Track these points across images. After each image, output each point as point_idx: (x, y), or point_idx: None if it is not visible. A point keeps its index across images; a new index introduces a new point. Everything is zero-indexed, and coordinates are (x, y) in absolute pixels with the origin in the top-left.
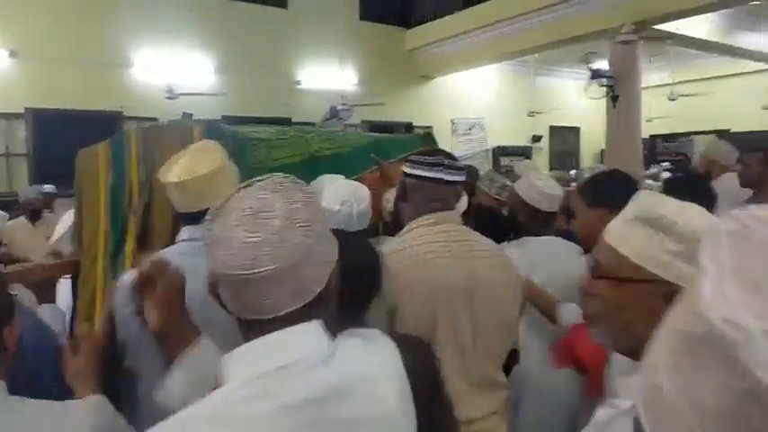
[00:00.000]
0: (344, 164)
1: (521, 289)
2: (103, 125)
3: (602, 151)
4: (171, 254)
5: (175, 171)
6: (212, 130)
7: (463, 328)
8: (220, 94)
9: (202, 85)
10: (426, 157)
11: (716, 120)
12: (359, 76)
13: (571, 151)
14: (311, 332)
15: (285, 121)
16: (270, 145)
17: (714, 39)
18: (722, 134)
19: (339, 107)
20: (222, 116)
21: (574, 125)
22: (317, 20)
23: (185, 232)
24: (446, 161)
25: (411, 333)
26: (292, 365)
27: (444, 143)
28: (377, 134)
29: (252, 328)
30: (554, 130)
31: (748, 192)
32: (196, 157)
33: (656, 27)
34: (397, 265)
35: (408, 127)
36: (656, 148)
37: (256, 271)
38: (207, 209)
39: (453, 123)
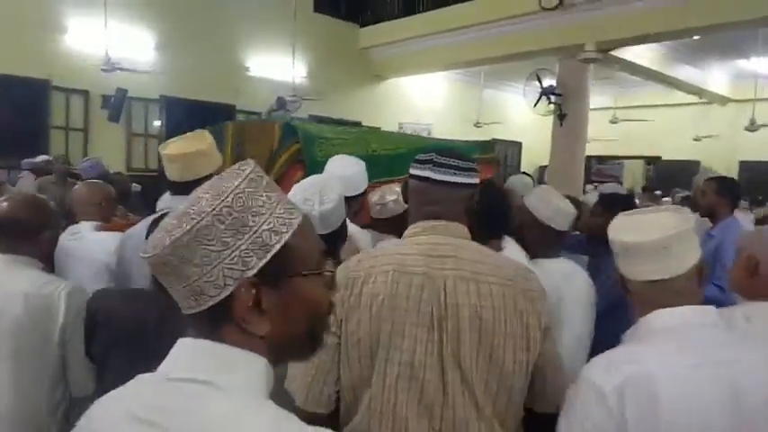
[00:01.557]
0: (396, 163)
1: (541, 329)
2: (27, 93)
3: (541, 167)
4: (145, 222)
5: (170, 147)
6: (288, 127)
7: (423, 360)
8: (159, 72)
9: (141, 61)
10: (423, 154)
11: (649, 146)
12: (309, 69)
13: (513, 165)
14: (202, 354)
15: (229, 108)
16: (334, 143)
17: (655, 68)
18: (653, 161)
19: (288, 98)
20: (160, 95)
21: (517, 139)
22: (270, 5)
23: (163, 201)
24: (438, 158)
25: (354, 350)
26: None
27: None
28: (437, 138)
29: (186, 318)
30: (497, 143)
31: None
32: (188, 140)
33: (609, 53)
34: (351, 274)
35: (357, 125)
36: (591, 168)
37: (143, 255)
38: (190, 181)
39: (401, 126)
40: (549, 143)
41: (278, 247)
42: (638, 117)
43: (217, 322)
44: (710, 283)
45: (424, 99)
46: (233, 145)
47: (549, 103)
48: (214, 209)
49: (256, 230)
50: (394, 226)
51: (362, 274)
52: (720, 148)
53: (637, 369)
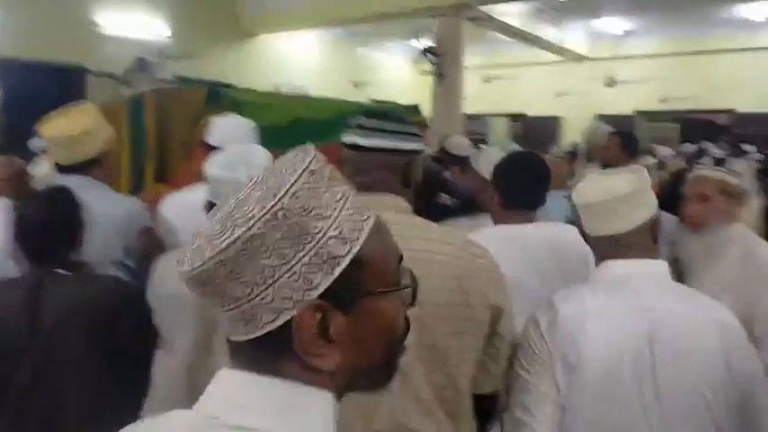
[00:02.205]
0: (325, 129)
1: (489, 308)
2: None
3: None
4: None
5: (50, 126)
6: (212, 93)
7: None
8: None
9: None
10: (354, 118)
11: (516, 104)
12: (172, 27)
13: None
14: (256, 393)
15: (80, 70)
16: (258, 108)
17: (522, 28)
18: (518, 118)
19: (149, 59)
20: None
21: (393, 100)
22: None
23: (59, 180)
24: (366, 121)
25: None
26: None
27: None
28: (362, 103)
29: (228, 344)
30: (376, 104)
31: None
32: (70, 117)
33: (478, 8)
34: None
35: (228, 87)
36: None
37: (183, 269)
38: (78, 162)
39: (276, 87)
40: (425, 103)
41: (348, 259)
42: (507, 76)
43: (274, 353)
44: None
45: (300, 59)
46: (155, 114)
47: (430, 62)
48: (266, 212)
49: (321, 238)
50: None
51: None
52: (579, 104)
53: (569, 307)
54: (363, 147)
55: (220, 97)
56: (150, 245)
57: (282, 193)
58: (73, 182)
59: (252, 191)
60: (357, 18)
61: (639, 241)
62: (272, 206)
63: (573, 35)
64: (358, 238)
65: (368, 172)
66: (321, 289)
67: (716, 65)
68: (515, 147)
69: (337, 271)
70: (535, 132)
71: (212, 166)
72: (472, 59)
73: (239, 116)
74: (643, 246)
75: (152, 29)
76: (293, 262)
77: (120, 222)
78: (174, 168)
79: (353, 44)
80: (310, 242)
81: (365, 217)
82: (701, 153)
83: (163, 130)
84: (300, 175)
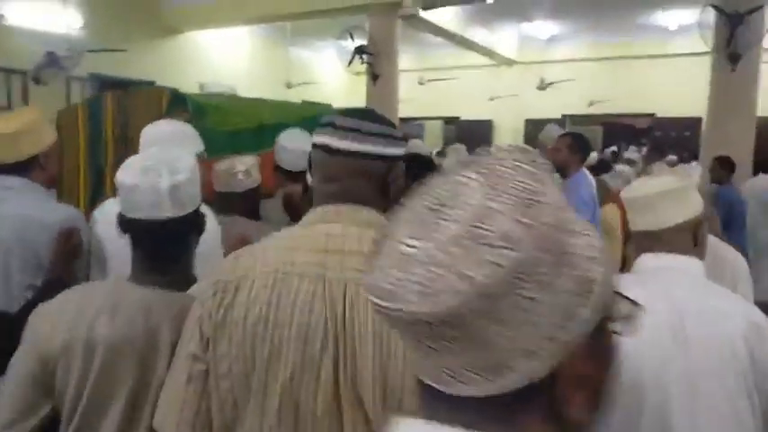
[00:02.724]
0: (279, 134)
1: None
2: None
3: None
4: None
5: None
6: (177, 97)
7: (311, 393)
8: None
9: None
10: (328, 116)
11: (450, 107)
12: (87, 18)
13: None
14: None
15: None
16: (224, 112)
17: (455, 30)
18: (451, 121)
19: (61, 54)
20: None
21: (328, 101)
22: None
23: None
24: (340, 120)
25: (224, 380)
26: None
27: None
28: (326, 106)
29: (429, 398)
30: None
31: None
32: (11, 118)
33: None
34: (223, 278)
35: (150, 86)
36: None
37: (394, 307)
38: (14, 163)
39: (202, 87)
40: (361, 105)
41: (602, 282)
42: (441, 78)
43: (515, 406)
44: None
45: (228, 57)
46: (114, 117)
47: (362, 62)
48: (533, 230)
49: (575, 260)
50: (241, 205)
51: (236, 279)
52: (510, 107)
53: None
54: (336, 150)
55: (184, 101)
56: (64, 262)
57: (538, 204)
58: (8, 183)
59: (490, 200)
60: (285, 14)
61: (678, 239)
62: (536, 222)
63: (503, 38)
64: (599, 257)
65: (340, 179)
66: (588, 323)
67: (637, 70)
68: (462, 149)
69: (594, 297)
70: (468, 135)
71: (126, 172)
72: (405, 62)
73: (174, 121)
74: (681, 244)
75: (64, 21)
76: (557, 290)
77: (53, 231)
78: None
79: (285, 43)
80: (569, 264)
81: (591, 229)
82: (615, 157)
83: (123, 135)
84: (534, 176)
